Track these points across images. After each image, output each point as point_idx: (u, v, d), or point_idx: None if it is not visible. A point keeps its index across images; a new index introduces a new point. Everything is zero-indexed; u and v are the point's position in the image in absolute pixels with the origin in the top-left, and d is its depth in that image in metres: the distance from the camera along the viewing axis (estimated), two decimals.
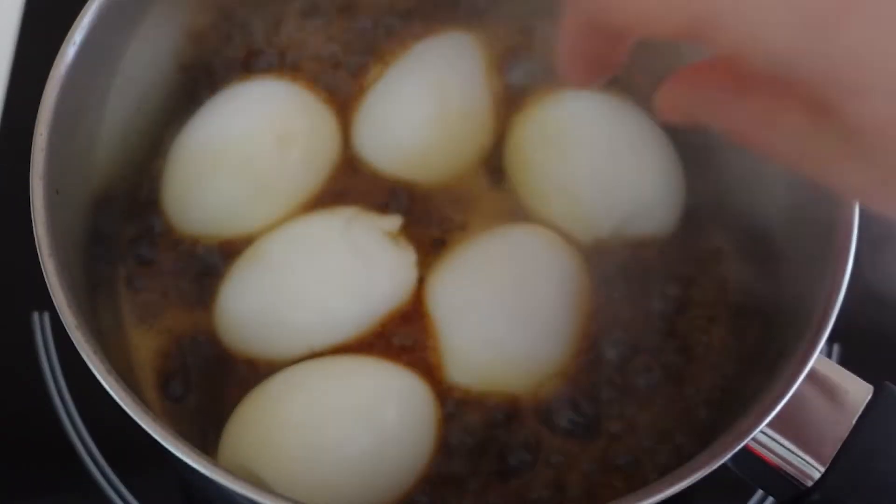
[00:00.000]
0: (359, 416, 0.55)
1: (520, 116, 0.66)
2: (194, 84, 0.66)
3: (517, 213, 0.64)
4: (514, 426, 0.59)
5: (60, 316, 0.47)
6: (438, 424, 0.58)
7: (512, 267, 0.60)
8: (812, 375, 0.46)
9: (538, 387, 0.59)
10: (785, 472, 0.48)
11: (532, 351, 0.59)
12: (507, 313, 0.59)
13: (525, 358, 0.59)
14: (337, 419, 0.55)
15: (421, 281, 0.62)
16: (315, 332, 0.59)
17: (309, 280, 0.59)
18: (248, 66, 0.68)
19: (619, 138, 0.63)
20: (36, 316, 0.71)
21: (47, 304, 0.48)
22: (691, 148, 0.65)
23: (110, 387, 0.46)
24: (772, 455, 0.47)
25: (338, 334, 0.59)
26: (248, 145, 0.62)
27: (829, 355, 0.69)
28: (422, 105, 0.64)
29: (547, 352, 0.59)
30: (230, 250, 0.62)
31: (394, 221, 0.61)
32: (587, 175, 0.62)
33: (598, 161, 0.62)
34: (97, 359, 0.46)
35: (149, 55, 0.61)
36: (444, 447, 0.58)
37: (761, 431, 0.46)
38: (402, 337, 0.60)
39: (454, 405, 0.59)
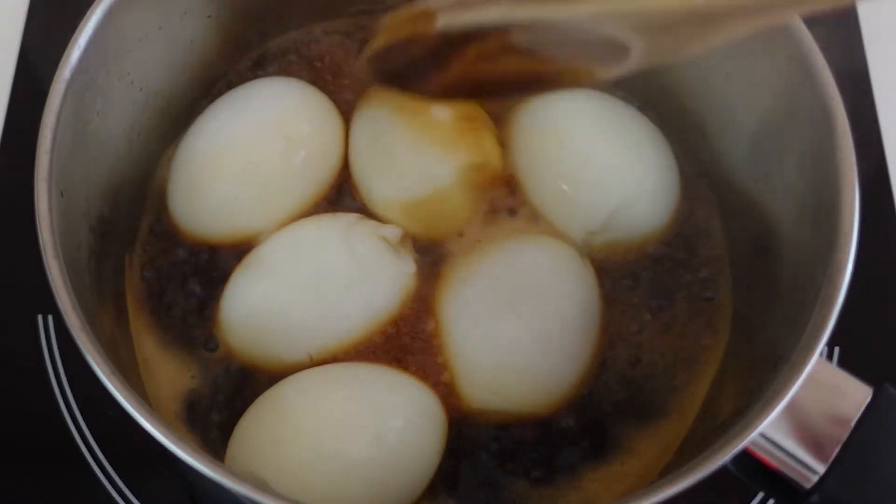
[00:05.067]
0: (366, 424, 0.55)
1: (517, 114, 0.66)
2: (200, 86, 0.66)
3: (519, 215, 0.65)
4: (525, 439, 0.59)
5: (64, 318, 0.48)
6: (445, 434, 0.58)
7: (527, 283, 0.60)
8: (812, 378, 0.47)
9: (553, 403, 0.59)
10: (785, 473, 0.48)
11: (548, 369, 0.59)
12: (523, 331, 0.58)
13: (541, 377, 0.59)
14: (344, 426, 0.55)
15: (432, 294, 0.62)
16: (312, 338, 0.59)
17: (307, 285, 0.59)
18: (255, 67, 0.68)
19: (611, 134, 0.63)
20: (40, 318, 0.71)
21: (52, 307, 0.48)
22: (692, 151, 0.65)
23: (114, 388, 0.46)
24: (771, 457, 0.48)
25: (334, 341, 0.59)
26: (256, 146, 0.62)
27: (829, 358, 0.70)
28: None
29: (563, 369, 0.59)
30: (237, 252, 0.62)
31: (394, 230, 0.61)
32: (579, 168, 0.63)
33: (590, 155, 0.63)
34: (101, 360, 0.46)
35: (154, 58, 0.61)
36: (452, 457, 0.58)
37: (761, 434, 0.46)
38: (410, 350, 0.60)
39: (462, 417, 0.59)
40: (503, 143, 0.66)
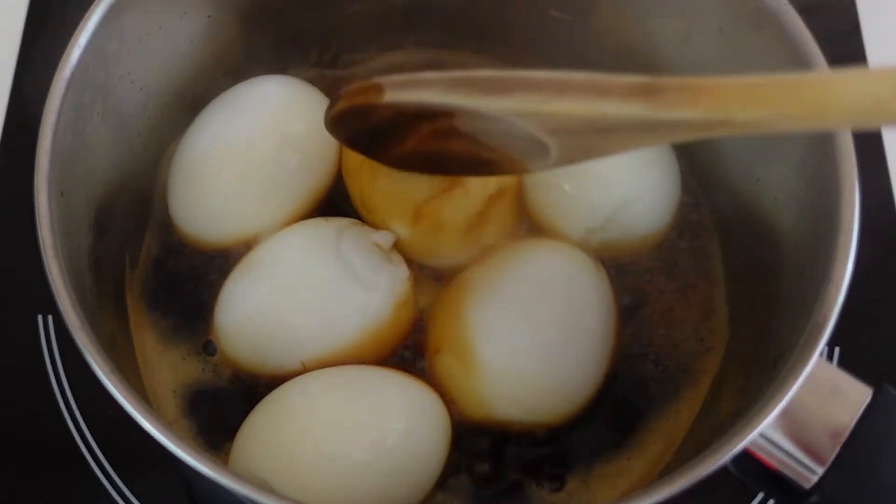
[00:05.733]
0: (370, 426, 0.55)
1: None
2: (201, 86, 0.66)
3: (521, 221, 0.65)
4: (529, 439, 0.59)
5: (64, 317, 0.47)
6: (449, 435, 0.57)
7: (546, 292, 0.60)
8: (811, 378, 0.46)
9: (568, 413, 0.59)
10: (784, 474, 0.48)
11: (567, 380, 0.58)
12: (543, 341, 0.58)
13: (559, 387, 0.58)
14: (348, 428, 0.55)
15: (428, 300, 0.62)
16: (304, 345, 0.58)
17: (298, 291, 0.59)
18: (256, 66, 0.68)
19: None
20: (40, 318, 0.71)
21: (52, 307, 0.48)
22: (691, 152, 0.65)
23: (114, 387, 0.46)
24: (771, 457, 0.47)
25: (327, 347, 0.58)
26: (254, 146, 0.62)
27: (829, 358, 0.70)
28: None
29: (580, 380, 0.59)
30: (236, 253, 0.62)
31: (386, 236, 0.61)
32: (580, 167, 0.62)
33: None
34: (101, 359, 0.46)
35: (154, 57, 0.61)
36: (456, 458, 0.58)
37: (761, 434, 0.46)
38: (404, 356, 0.61)
39: (468, 421, 0.59)
40: None
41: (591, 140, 0.48)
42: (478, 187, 0.61)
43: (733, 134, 0.43)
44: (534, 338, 0.58)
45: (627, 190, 0.62)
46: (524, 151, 0.50)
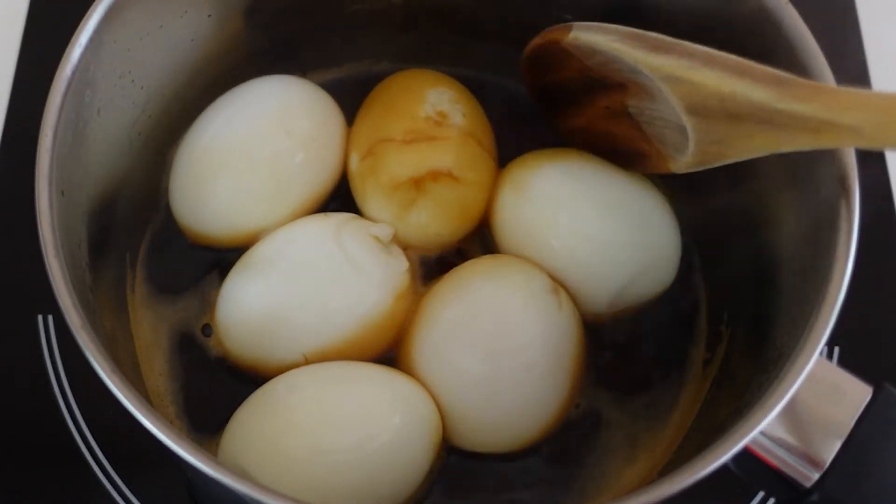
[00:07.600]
0: (359, 421, 0.55)
1: (506, 186, 0.64)
2: (201, 85, 0.66)
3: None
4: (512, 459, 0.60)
5: (65, 316, 0.47)
6: (439, 431, 0.58)
7: (496, 322, 0.59)
8: (812, 377, 0.46)
9: (530, 438, 0.59)
10: (784, 472, 0.48)
11: (523, 411, 0.58)
12: (492, 373, 0.58)
13: (516, 417, 0.58)
14: (337, 423, 0.55)
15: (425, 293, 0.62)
16: (306, 339, 0.59)
17: (299, 286, 0.59)
18: (257, 66, 0.68)
19: (609, 203, 0.61)
20: (40, 318, 0.71)
21: (52, 307, 0.48)
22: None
23: (115, 386, 0.46)
24: (771, 456, 0.48)
25: (328, 340, 0.59)
26: (257, 143, 0.62)
27: (829, 357, 0.70)
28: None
29: (537, 409, 0.58)
30: (238, 250, 0.62)
31: (385, 229, 0.61)
32: (581, 245, 0.61)
33: (591, 230, 0.61)
34: (101, 358, 0.46)
35: (155, 56, 0.61)
36: (444, 453, 0.59)
37: (761, 433, 0.46)
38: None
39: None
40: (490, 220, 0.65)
41: (723, 128, 0.51)
42: (429, 156, 0.62)
43: (834, 144, 0.48)
44: (469, 369, 0.58)
45: (634, 265, 0.60)
46: (670, 143, 0.55)
